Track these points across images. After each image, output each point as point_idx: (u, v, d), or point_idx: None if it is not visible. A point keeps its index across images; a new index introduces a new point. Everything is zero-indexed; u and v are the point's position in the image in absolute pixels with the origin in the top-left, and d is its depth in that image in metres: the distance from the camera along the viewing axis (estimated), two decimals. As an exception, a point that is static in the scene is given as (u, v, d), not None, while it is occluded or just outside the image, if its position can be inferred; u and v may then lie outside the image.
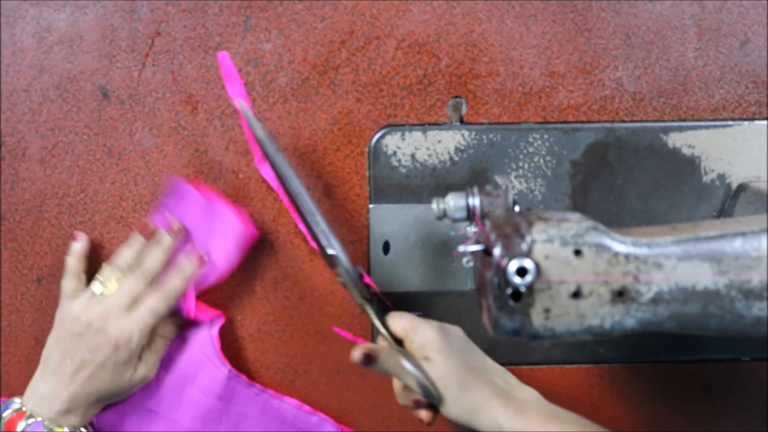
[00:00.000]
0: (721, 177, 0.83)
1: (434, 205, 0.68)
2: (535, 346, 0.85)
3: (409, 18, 0.81)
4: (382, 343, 0.74)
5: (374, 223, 0.83)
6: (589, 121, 0.83)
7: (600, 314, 0.58)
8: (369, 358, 0.70)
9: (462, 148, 0.82)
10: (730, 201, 0.82)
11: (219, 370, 0.82)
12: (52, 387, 0.75)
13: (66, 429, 0.75)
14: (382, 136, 0.82)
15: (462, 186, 0.82)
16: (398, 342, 0.74)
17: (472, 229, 0.67)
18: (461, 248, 0.61)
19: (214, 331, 0.82)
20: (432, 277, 0.83)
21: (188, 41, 0.81)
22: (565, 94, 0.82)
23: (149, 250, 0.80)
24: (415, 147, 0.82)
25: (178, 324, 0.82)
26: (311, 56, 0.81)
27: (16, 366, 0.85)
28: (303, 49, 0.81)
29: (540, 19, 0.81)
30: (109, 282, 0.78)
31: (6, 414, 0.75)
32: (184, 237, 0.80)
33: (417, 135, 0.82)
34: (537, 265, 0.56)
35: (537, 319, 0.57)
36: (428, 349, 0.72)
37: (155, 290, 0.78)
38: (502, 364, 0.85)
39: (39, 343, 0.82)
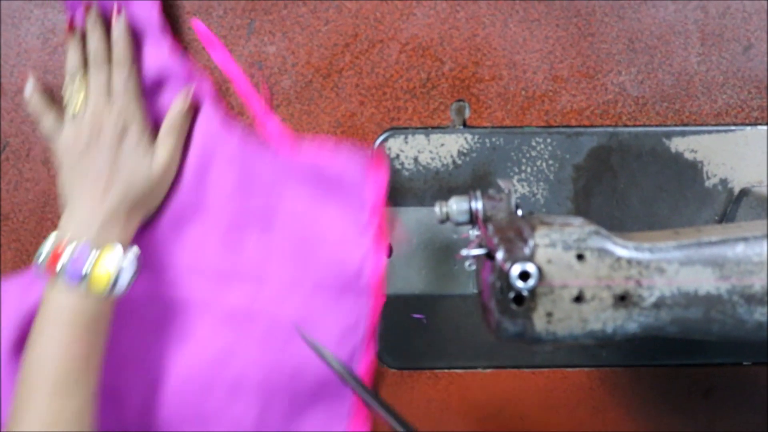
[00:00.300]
0: (724, 182, 0.83)
1: (437, 209, 0.68)
2: (537, 350, 0.85)
3: (413, 21, 0.81)
4: None
5: (377, 226, 0.83)
6: (591, 126, 0.83)
7: (602, 318, 0.58)
8: None
9: (465, 151, 0.82)
10: (733, 206, 0.82)
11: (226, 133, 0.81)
12: (86, 208, 0.74)
13: (116, 244, 0.73)
14: (386, 139, 0.82)
15: (465, 189, 0.82)
16: None
17: (474, 233, 0.67)
18: (464, 252, 0.61)
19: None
20: (434, 280, 0.84)
21: (192, 43, 0.81)
22: (568, 99, 0.82)
23: (88, 39, 0.78)
24: (418, 150, 0.82)
25: (185, 104, 0.80)
26: (315, 59, 0.82)
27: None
28: (307, 52, 0.82)
29: (543, 23, 0.81)
30: (76, 95, 0.78)
31: (45, 252, 0.73)
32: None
33: (420, 138, 0.82)
34: (540, 269, 0.56)
35: (539, 323, 0.57)
36: None
37: (115, 67, 0.77)
38: (504, 367, 0.86)
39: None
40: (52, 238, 0.73)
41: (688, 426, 0.87)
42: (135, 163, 0.76)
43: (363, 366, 0.82)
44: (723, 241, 0.58)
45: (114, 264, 0.72)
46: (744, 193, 0.82)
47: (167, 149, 0.78)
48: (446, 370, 0.86)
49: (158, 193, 0.79)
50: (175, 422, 0.81)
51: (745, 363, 0.86)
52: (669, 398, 0.87)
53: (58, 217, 0.82)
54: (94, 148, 0.75)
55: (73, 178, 0.76)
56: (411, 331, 0.84)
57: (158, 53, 0.79)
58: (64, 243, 0.72)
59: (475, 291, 0.83)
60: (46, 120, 0.78)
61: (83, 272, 0.71)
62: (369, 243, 0.79)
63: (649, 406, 0.87)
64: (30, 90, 0.79)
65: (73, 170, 0.76)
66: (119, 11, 0.78)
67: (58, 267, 0.72)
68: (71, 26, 0.79)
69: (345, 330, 0.80)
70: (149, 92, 0.80)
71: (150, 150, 0.77)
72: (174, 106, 0.79)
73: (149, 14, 0.78)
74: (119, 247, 0.73)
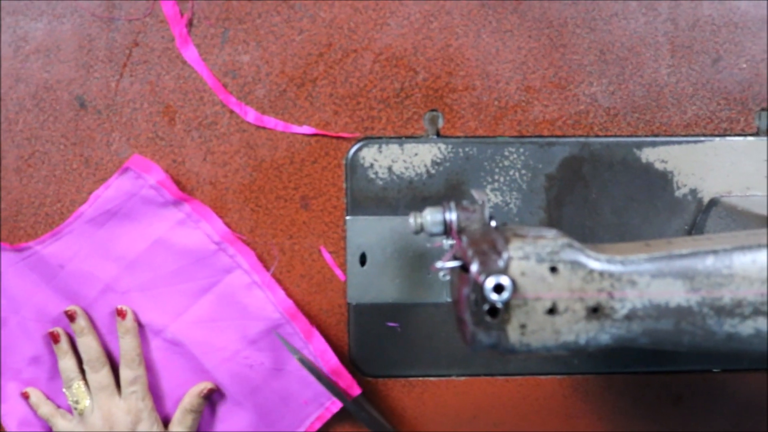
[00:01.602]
0: (693, 192, 0.84)
1: (411, 220, 0.68)
2: (510, 358, 0.86)
3: (387, 32, 0.82)
4: None
5: (351, 235, 0.83)
6: (563, 136, 0.84)
7: (575, 330, 0.58)
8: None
9: (438, 161, 0.83)
10: (702, 215, 0.83)
11: None
12: None
13: None
14: (359, 149, 0.82)
15: (438, 198, 0.83)
16: None
17: (448, 242, 0.68)
18: (438, 264, 0.62)
19: None
20: (408, 288, 0.84)
21: (166, 52, 0.81)
22: (540, 109, 0.83)
23: (80, 343, 0.81)
24: (392, 159, 0.83)
25: (205, 396, 0.83)
26: (289, 68, 0.82)
27: None
28: (281, 62, 0.82)
29: (516, 34, 0.82)
30: (78, 400, 0.81)
31: None
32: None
33: (394, 148, 0.83)
34: (513, 282, 0.56)
35: (513, 334, 0.58)
36: None
37: (120, 364, 0.81)
38: (477, 375, 0.86)
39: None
40: None
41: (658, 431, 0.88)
42: None
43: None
44: (693, 254, 0.59)
45: None
46: (713, 203, 0.83)
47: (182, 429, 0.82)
48: (420, 378, 0.86)
49: None
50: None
51: (714, 370, 0.87)
52: (640, 405, 0.88)
53: (31, 226, 0.82)
54: None
55: None
56: (385, 339, 0.84)
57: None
58: None
59: (449, 300, 0.83)
60: (58, 423, 0.82)
61: None
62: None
63: (621, 412, 0.88)
64: (36, 399, 0.83)
65: None
66: (123, 314, 0.81)
67: None
68: (55, 337, 0.82)
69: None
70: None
71: None
72: (189, 396, 0.83)
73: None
74: None
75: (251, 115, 0.82)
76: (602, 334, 0.59)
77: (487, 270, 0.56)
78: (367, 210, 0.83)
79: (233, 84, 0.82)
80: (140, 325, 0.82)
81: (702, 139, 0.84)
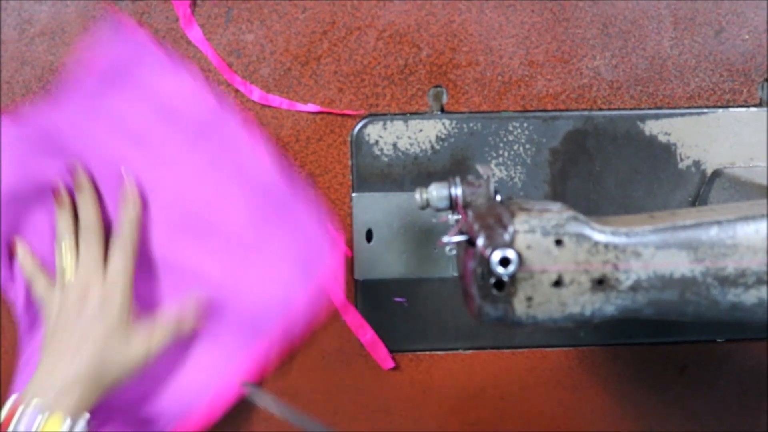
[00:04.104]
0: (697, 163, 0.85)
1: (417, 196, 0.69)
2: (516, 331, 0.87)
3: (390, 8, 0.82)
4: None
5: (357, 212, 0.84)
6: (567, 110, 0.84)
7: (581, 302, 0.59)
8: None
9: (443, 136, 0.83)
10: (705, 187, 0.84)
11: None
12: (48, 370, 0.74)
13: (65, 417, 0.72)
14: (364, 126, 0.83)
15: (443, 174, 0.83)
16: None
17: (454, 217, 0.68)
18: (445, 239, 0.62)
19: None
20: (415, 263, 0.85)
21: (170, 32, 0.81)
22: (543, 83, 0.84)
23: (80, 205, 0.80)
24: (397, 136, 0.83)
25: (188, 325, 0.81)
26: (293, 47, 0.82)
27: None
28: (285, 40, 0.82)
29: (519, 9, 0.82)
30: (68, 262, 0.79)
31: (3, 412, 0.73)
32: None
33: (398, 124, 0.83)
34: (519, 255, 0.57)
35: (519, 307, 0.59)
36: None
37: (113, 246, 0.78)
38: (484, 349, 0.87)
39: None
40: (12, 398, 0.74)
41: (663, 401, 0.89)
42: (112, 349, 0.76)
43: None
44: (697, 225, 0.60)
45: None
46: (716, 174, 0.83)
47: (143, 346, 0.77)
48: (428, 352, 0.87)
49: (128, 377, 0.78)
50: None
51: (719, 340, 0.88)
52: (645, 375, 0.89)
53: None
54: (74, 319, 0.76)
55: (49, 343, 0.76)
56: (393, 314, 0.85)
57: None
58: (17, 404, 0.72)
59: (456, 274, 0.84)
60: (38, 285, 0.80)
61: None
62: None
63: (626, 383, 0.89)
64: (22, 254, 0.81)
65: (52, 336, 0.77)
66: (134, 197, 0.79)
67: (9, 429, 0.72)
68: (56, 194, 0.80)
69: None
70: None
71: (129, 336, 0.77)
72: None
73: None
74: (67, 421, 0.72)
75: (256, 93, 0.82)
76: (607, 305, 0.60)
77: (493, 244, 0.57)
78: (372, 186, 0.84)
79: (238, 63, 0.82)
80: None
81: (705, 110, 0.84)
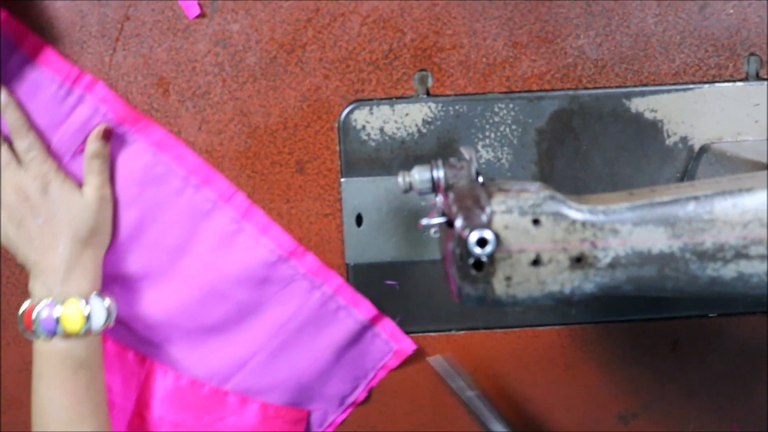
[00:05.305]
0: (684, 139, 0.85)
1: (400, 179, 0.69)
2: (507, 311, 0.87)
3: (373, -7, 0.82)
4: None
5: (346, 197, 0.84)
6: (552, 90, 0.84)
7: (559, 280, 0.60)
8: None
9: (429, 120, 0.84)
10: (693, 163, 0.84)
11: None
12: (43, 267, 0.78)
13: (79, 298, 0.77)
14: (351, 111, 0.84)
15: (431, 157, 0.83)
16: None
17: (440, 200, 0.69)
18: (424, 221, 0.63)
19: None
20: (405, 246, 0.85)
21: (157, 24, 0.82)
22: (528, 64, 0.84)
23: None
24: (384, 121, 0.84)
25: (103, 136, 0.82)
26: (278, 35, 0.83)
27: None
28: (270, 29, 0.83)
29: (502, -10, 0.83)
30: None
31: (21, 319, 0.78)
32: None
33: (385, 109, 0.84)
34: (497, 236, 0.58)
35: (499, 287, 0.59)
36: None
37: (15, 136, 0.80)
38: (477, 329, 0.88)
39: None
40: (25, 305, 0.78)
41: (656, 377, 0.90)
42: (67, 202, 0.79)
43: None
44: (674, 201, 0.60)
45: (78, 317, 0.77)
46: (704, 150, 0.83)
47: (93, 185, 0.81)
48: (420, 334, 0.88)
49: (103, 219, 0.81)
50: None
51: (710, 315, 0.88)
52: (637, 352, 0.89)
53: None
54: (27, 212, 0.79)
55: (21, 246, 0.79)
56: (385, 297, 0.86)
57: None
58: (31, 308, 0.77)
59: (444, 256, 0.85)
60: None
61: (55, 330, 0.76)
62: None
63: (619, 360, 0.89)
64: None
65: (19, 239, 0.79)
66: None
67: (34, 329, 0.77)
68: None
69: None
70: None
71: (78, 187, 0.80)
72: (89, 142, 0.81)
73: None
74: (82, 302, 0.77)
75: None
76: (587, 283, 0.60)
77: (471, 225, 0.57)
78: (361, 171, 0.84)
79: (224, 53, 0.83)
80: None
81: (691, 86, 0.84)
